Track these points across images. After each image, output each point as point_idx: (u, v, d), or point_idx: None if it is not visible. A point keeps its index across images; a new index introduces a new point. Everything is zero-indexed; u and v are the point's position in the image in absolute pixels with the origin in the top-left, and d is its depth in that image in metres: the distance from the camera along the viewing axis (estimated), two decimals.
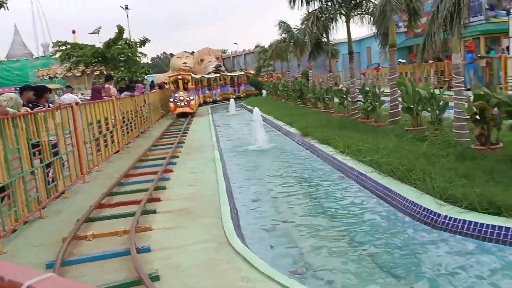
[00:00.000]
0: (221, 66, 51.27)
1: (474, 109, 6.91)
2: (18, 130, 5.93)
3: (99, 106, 10.54)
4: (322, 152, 9.64)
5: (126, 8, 47.49)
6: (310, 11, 14.02)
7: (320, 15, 12.57)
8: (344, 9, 12.95)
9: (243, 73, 36.92)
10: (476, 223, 4.45)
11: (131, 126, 14.32)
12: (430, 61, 25.15)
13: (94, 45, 24.44)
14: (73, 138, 8.39)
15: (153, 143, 13.25)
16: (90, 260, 4.62)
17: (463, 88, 7.84)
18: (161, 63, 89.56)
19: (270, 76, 35.88)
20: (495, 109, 6.62)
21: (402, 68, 26.74)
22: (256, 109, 12.72)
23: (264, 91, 33.78)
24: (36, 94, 7.76)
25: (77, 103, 9.71)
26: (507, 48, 19.31)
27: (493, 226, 4.30)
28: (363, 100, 12.31)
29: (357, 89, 13.19)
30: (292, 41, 22.26)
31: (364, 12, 12.98)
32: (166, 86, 24.93)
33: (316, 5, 13.30)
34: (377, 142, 8.58)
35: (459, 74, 7.76)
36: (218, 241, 4.91)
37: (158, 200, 6.84)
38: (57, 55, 24.50)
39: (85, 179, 8.73)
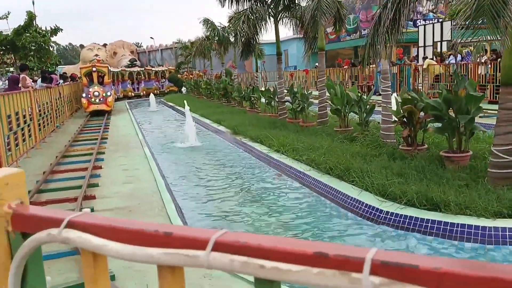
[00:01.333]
0: (136, 61, 49.63)
1: (402, 112, 7.46)
2: None
3: (17, 97, 9.71)
4: (257, 150, 9.77)
5: None
6: (239, 10, 14.15)
7: (251, 15, 12.70)
8: (273, 11, 13.22)
9: (167, 68, 36.35)
10: (417, 218, 4.82)
11: (47, 120, 13.37)
12: (345, 66, 26.64)
13: (1, 32, 22.34)
14: None
15: (73, 138, 12.49)
16: None
17: (390, 92, 8.42)
18: (68, 54, 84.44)
19: (191, 73, 35.48)
20: (422, 112, 7.20)
21: (315, 72, 27.99)
22: (187, 107, 12.54)
23: (184, 88, 33.33)
24: None
25: None
26: (416, 56, 21.02)
27: (433, 221, 4.70)
28: (291, 101, 12.67)
29: (285, 90, 13.54)
30: (216, 39, 22.23)
31: (292, 15, 13.34)
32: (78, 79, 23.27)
33: (246, 5, 13.44)
34: (310, 141, 8.90)
35: (387, 79, 8.33)
36: None
37: (93, 197, 6.50)
38: None
39: None
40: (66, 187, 7.11)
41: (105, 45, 53.62)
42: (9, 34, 21.49)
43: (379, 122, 9.79)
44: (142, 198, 6.46)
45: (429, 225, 4.69)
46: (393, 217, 5.05)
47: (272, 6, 13.11)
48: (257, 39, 14.23)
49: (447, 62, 18.38)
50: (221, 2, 13.24)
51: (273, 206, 6.42)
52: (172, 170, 9.14)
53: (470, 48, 20.61)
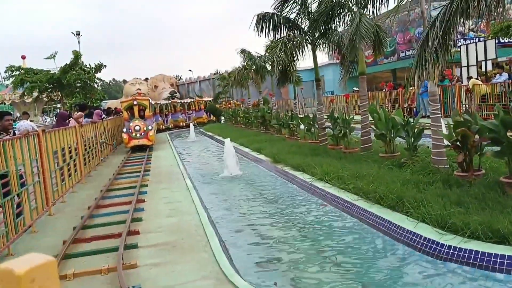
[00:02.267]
0: (176, 93, 50.89)
1: (454, 135, 7.04)
2: None
3: (63, 133, 9.94)
4: (299, 179, 9.50)
5: (78, 34, 46.35)
6: (276, 39, 14.17)
7: (288, 43, 12.66)
8: (310, 38, 13.14)
9: (193, 100, 36.66)
10: (484, 252, 4.39)
11: (92, 154, 13.64)
12: (388, 89, 26.09)
13: (49, 70, 23.38)
14: (39, 167, 7.78)
15: (117, 171, 12.65)
16: None
17: (440, 115, 8.01)
18: (111, 90, 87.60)
19: (229, 102, 35.85)
20: (476, 135, 6.76)
21: (355, 96, 27.58)
22: (227, 140, 12.49)
23: (222, 118, 33.64)
24: None
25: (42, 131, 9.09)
26: (460, 76, 20.33)
27: (502, 256, 4.26)
28: (332, 127, 12.38)
29: (325, 116, 13.29)
30: (253, 68, 22.38)
31: (329, 41, 13.20)
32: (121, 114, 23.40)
33: (283, 33, 13.43)
34: (355, 168, 8.55)
35: (436, 101, 7.94)
36: (216, 278, 4.58)
37: (137, 233, 6.40)
38: (10, 80, 23.16)
39: (50, 211, 8.09)
40: (111, 222, 7.07)
41: (146, 79, 55.39)
42: (56, 72, 22.46)
43: (428, 147, 9.35)
44: (185, 232, 6.31)
45: (498, 260, 4.26)
46: (456, 252, 4.63)
47: (309, 33, 13.04)
48: (293, 66, 14.15)
49: (493, 81, 17.62)
50: (258, 33, 13.27)
51: (320, 240, 6.09)
52: (214, 202, 8.98)
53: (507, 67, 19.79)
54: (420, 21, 30.52)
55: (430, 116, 8.01)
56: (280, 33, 13.21)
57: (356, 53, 10.97)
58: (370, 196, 6.75)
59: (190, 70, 79.05)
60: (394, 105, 24.31)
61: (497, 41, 20.41)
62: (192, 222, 6.80)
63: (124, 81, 60.46)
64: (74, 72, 22.03)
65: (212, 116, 35.02)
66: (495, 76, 17.97)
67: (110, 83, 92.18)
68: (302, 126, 15.47)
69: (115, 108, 26.34)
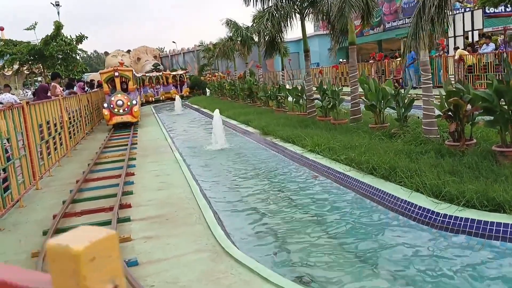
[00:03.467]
0: (159, 65, 49.98)
1: (446, 105, 7.02)
2: None
3: (47, 106, 9.66)
4: (289, 151, 9.45)
5: (57, 5, 44.79)
6: (263, 9, 13.87)
7: (275, 13, 12.38)
8: (299, 7, 12.88)
9: (184, 72, 35.99)
10: (480, 221, 4.42)
11: (77, 128, 13.36)
12: (370, 61, 25.97)
13: (29, 42, 22.60)
14: (24, 140, 7.56)
15: (103, 144, 12.43)
16: None
17: (431, 85, 7.98)
18: (92, 62, 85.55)
19: (214, 75, 35.39)
20: (469, 105, 6.75)
21: (343, 67, 27.44)
22: (216, 112, 12.31)
23: (207, 90, 33.29)
24: None
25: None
26: (447, 47, 20.30)
27: (498, 224, 4.29)
28: (321, 99, 12.29)
29: (313, 87, 13.17)
30: (239, 39, 22.00)
31: (318, 11, 12.95)
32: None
33: (270, 3, 13.14)
34: (346, 139, 8.52)
35: (427, 71, 7.89)
36: (212, 250, 4.53)
37: (129, 206, 6.30)
38: None
39: (37, 186, 7.92)
40: (101, 195, 6.95)
41: (129, 51, 54.17)
42: (37, 44, 21.73)
43: (418, 117, 9.35)
44: (178, 205, 6.23)
45: (494, 228, 4.29)
46: (452, 220, 4.65)
47: (297, 2, 12.77)
48: (281, 37, 13.90)
49: (480, 51, 17.64)
50: (245, 1, 12.95)
51: (313, 210, 6.09)
52: (204, 174, 8.90)
53: (501, 36, 19.79)
54: None
55: (422, 86, 7.96)
56: (268, 3, 12.91)
57: (345, 23, 10.78)
58: (363, 167, 6.74)
59: (174, 42, 77.50)
60: (380, 77, 24.25)
61: (484, 12, 20.35)
62: (183, 195, 6.72)
63: (106, 53, 59.09)
64: (55, 43, 21.35)
65: (182, 90, 33.63)
66: (481, 47, 17.98)
67: (92, 55, 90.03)
68: (290, 98, 15.35)
69: (98, 81, 25.69)
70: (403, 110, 8.77)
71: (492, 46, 17.89)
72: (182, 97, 32.53)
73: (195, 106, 25.43)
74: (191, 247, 4.63)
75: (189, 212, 5.85)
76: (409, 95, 8.94)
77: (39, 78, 42.53)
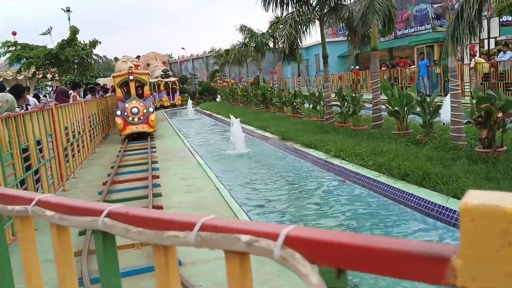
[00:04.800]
0: (168, 71, 50.13)
1: (477, 112, 7.00)
2: (11, 133, 5.22)
3: (71, 108, 9.74)
4: (312, 156, 9.44)
5: (68, 11, 45.16)
6: (283, 15, 13.93)
7: (297, 18, 12.44)
8: (318, 13, 12.93)
9: (176, 79, 35.44)
10: None
11: (96, 131, 13.43)
12: (383, 68, 25.96)
13: (45, 46, 22.77)
14: (53, 142, 7.61)
15: (123, 148, 12.47)
16: None
17: (459, 91, 7.97)
18: (100, 67, 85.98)
19: (225, 81, 35.48)
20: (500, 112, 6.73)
21: (357, 74, 27.45)
22: (234, 117, 12.34)
23: (218, 96, 33.38)
24: (14, 95, 6.93)
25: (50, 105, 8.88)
26: (462, 55, 20.24)
27: None
28: (339, 105, 12.30)
29: (333, 93, 13.19)
30: (253, 45, 22.08)
31: (338, 17, 13.00)
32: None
33: (290, 9, 13.20)
34: (372, 145, 8.51)
35: (455, 77, 7.89)
36: None
37: (161, 208, 6.31)
38: (6, 56, 22.53)
39: (64, 187, 7.96)
40: (130, 197, 6.97)
41: (138, 57, 54.39)
42: (54, 48, 21.90)
43: (443, 123, 9.35)
44: (210, 208, 6.23)
45: None
46: None
47: (317, 9, 12.83)
48: (299, 43, 13.95)
49: (497, 59, 17.58)
50: (265, 7, 13.03)
51: (345, 215, 6.07)
52: (228, 178, 8.90)
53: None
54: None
55: (450, 92, 7.96)
56: (288, 8, 12.97)
57: (369, 28, 10.82)
58: (394, 172, 6.72)
59: (183, 48, 78.12)
60: (392, 84, 24.21)
61: (500, 19, 20.32)
62: (213, 198, 6.72)
63: (116, 59, 59.33)
64: (71, 48, 21.52)
65: (174, 98, 33.06)
66: (498, 54, 17.92)
67: (102, 60, 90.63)
68: (306, 104, 15.36)
69: (112, 86, 25.78)
70: (429, 116, 8.75)
71: (509, 54, 17.83)
72: (174, 105, 31.91)
73: (207, 112, 25.50)
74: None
75: (223, 215, 5.84)
76: (435, 102, 8.92)
77: (49, 83, 42.72)
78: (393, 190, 6.38)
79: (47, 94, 34.00)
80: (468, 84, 17.92)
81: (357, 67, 29.08)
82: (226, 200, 6.49)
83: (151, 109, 14.45)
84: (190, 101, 26.31)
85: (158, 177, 8.45)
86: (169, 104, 32.98)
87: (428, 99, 8.86)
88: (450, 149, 7.44)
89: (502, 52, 17.63)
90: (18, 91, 7.01)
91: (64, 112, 8.88)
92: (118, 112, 14.31)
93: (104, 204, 0.82)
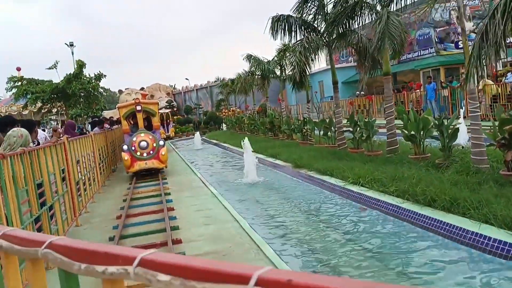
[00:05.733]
0: (172, 102, 50.49)
1: (499, 134, 6.83)
2: (26, 169, 5.07)
3: (82, 142, 9.63)
4: (329, 183, 9.23)
5: (71, 45, 45.84)
6: (291, 42, 13.99)
7: (306, 45, 12.44)
8: (326, 39, 12.95)
9: (169, 110, 35.10)
10: None
11: (105, 164, 13.29)
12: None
13: (51, 80, 22.95)
14: (66, 176, 7.46)
15: (133, 180, 12.29)
16: None
17: (479, 113, 7.81)
18: (105, 100, 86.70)
19: (231, 110, 35.58)
20: None
21: (361, 100, 27.48)
22: (246, 140, 12.20)
23: (224, 125, 33.42)
24: (27, 129, 6.82)
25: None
26: None
27: None
28: (352, 130, 12.15)
29: (344, 119, 13.07)
30: (258, 73, 22.18)
31: (347, 43, 13.02)
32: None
33: (298, 36, 13.23)
34: (391, 171, 8.30)
35: (475, 100, 7.75)
36: None
37: (180, 241, 6.09)
38: (12, 91, 22.68)
39: (77, 222, 7.75)
40: (147, 231, 6.76)
41: (142, 88, 54.77)
42: (60, 82, 22.06)
43: (462, 147, 9.17)
44: (231, 240, 6.01)
45: None
46: None
47: (325, 35, 12.86)
48: (308, 70, 13.93)
49: (505, 80, 17.50)
50: (273, 35, 13.07)
51: (372, 246, 5.82)
52: (243, 209, 8.67)
53: None
54: (421, 23, 30.62)
55: (470, 115, 7.80)
56: (296, 36, 13.01)
57: (381, 53, 10.78)
58: (419, 198, 6.50)
59: (187, 79, 78.31)
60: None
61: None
62: (233, 230, 6.50)
63: (120, 91, 59.79)
64: (77, 81, 21.66)
65: (169, 130, 32.60)
66: (506, 76, 17.86)
67: (105, 93, 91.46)
68: (316, 131, 15.23)
69: (118, 118, 25.79)
70: (447, 140, 8.57)
71: None
72: (168, 137, 31.50)
73: (214, 141, 25.43)
74: None
75: (245, 248, 5.62)
76: (453, 125, 8.75)
77: (53, 117, 42.88)
78: (419, 216, 6.15)
79: (45, 129, 34.16)
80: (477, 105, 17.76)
81: (362, 92, 29.13)
82: (247, 232, 6.28)
83: (161, 142, 13.07)
84: (197, 133, 26.19)
85: (173, 209, 8.25)
86: (164, 136, 33.04)
87: (446, 122, 8.70)
88: (473, 172, 7.23)
89: (510, 73, 17.58)
90: (31, 126, 6.90)
91: (76, 146, 8.77)
92: (125, 147, 12.81)
93: (130, 250, 0.67)
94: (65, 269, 0.72)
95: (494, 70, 19.68)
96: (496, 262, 4.66)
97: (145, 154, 12.67)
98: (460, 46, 28.03)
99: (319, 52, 13.30)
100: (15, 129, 5.42)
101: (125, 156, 12.57)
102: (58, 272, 0.80)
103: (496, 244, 4.79)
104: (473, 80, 7.53)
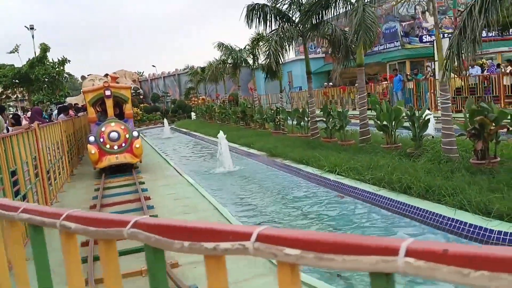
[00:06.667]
0: (139, 89, 49.60)
1: (469, 124, 7.09)
2: (1, 156, 4.89)
3: (51, 129, 9.35)
4: (305, 172, 9.35)
5: (32, 28, 44.10)
6: (266, 31, 13.98)
7: (282, 35, 12.45)
8: (301, 30, 13.00)
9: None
10: None
11: (73, 152, 12.96)
12: (356, 84, 26.32)
13: (13, 65, 22.02)
14: (38, 164, 7.23)
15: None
16: None
17: (449, 105, 8.08)
18: (60, 86, 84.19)
19: (202, 98, 35.22)
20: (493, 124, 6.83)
21: (330, 91, 27.82)
22: (221, 134, 12.13)
23: (193, 114, 33.11)
24: None
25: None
26: (433, 70, 20.83)
27: None
28: (325, 120, 12.30)
29: (317, 109, 13.22)
30: (230, 62, 22.06)
31: (320, 34, 13.11)
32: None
33: (274, 26, 13.23)
34: (365, 160, 8.49)
35: (446, 91, 8.00)
36: (274, 274, 4.34)
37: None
38: None
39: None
40: None
41: (106, 75, 53.20)
42: (23, 67, 21.20)
43: (432, 137, 9.46)
44: None
45: None
46: (508, 237, 4.61)
47: (300, 25, 12.90)
48: (281, 60, 13.97)
49: (468, 73, 18.13)
50: (248, 24, 13.01)
51: (340, 226, 5.96)
52: (220, 197, 8.68)
53: (483, 61, 20.42)
54: (388, 17, 31.20)
55: (441, 106, 8.06)
56: (271, 25, 13.00)
57: (353, 45, 10.93)
58: (395, 186, 6.69)
59: (154, 66, 77.10)
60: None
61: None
62: (215, 219, 6.50)
63: (83, 77, 58.14)
64: (41, 66, 20.88)
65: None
66: (471, 69, 18.49)
67: (65, 78, 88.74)
68: (289, 121, 15.34)
69: (83, 105, 25.04)
70: (418, 130, 8.82)
71: (477, 68, 18.49)
72: None
73: (184, 130, 25.20)
74: (252, 271, 4.42)
75: None
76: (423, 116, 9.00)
77: (12, 103, 41.29)
78: (395, 203, 6.34)
79: (30, 113, 32.90)
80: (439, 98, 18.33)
81: (330, 83, 29.51)
82: (229, 221, 6.29)
83: (135, 133, 11.39)
84: (166, 120, 25.89)
85: (149, 198, 8.15)
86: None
87: (417, 113, 8.95)
88: (444, 161, 7.49)
89: (470, 67, 18.24)
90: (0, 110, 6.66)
91: (47, 133, 8.52)
92: (91, 138, 11.00)
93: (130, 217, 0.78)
94: (160, 247, 0.72)
95: (466, 64, 20.25)
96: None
97: (116, 147, 10.97)
98: (424, 40, 28.90)
99: (293, 42, 13.36)
100: None
101: (92, 149, 10.78)
102: (146, 251, 0.79)
103: (471, 229, 5.01)
104: (445, 73, 7.79)
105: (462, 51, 6.23)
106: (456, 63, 6.45)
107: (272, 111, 16.57)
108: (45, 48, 21.79)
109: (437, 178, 6.46)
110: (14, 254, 1.20)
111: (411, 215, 5.96)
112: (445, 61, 6.80)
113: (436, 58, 21.58)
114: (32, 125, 7.39)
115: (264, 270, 4.47)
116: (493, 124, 6.88)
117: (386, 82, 23.78)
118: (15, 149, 5.73)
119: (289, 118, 15.23)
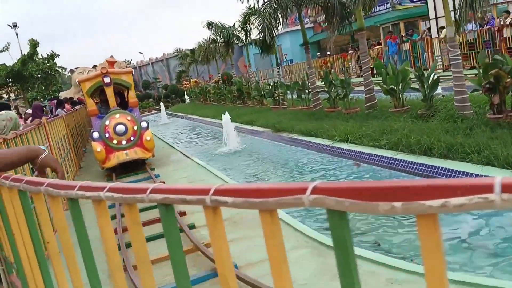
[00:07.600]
0: None
1: (483, 79, 6.99)
2: None
3: (56, 124, 9.17)
4: (316, 144, 9.27)
5: (15, 26, 43.02)
6: (259, 4, 13.69)
7: (275, 6, 12.17)
8: None
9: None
10: None
11: (77, 145, 12.79)
12: (350, 51, 26.05)
13: (4, 64, 21.53)
14: None
15: None
16: None
17: (460, 61, 7.96)
18: (54, 80, 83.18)
19: (195, 81, 34.81)
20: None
21: (329, 60, 27.52)
22: (225, 115, 12.00)
23: (186, 97, 32.79)
24: None
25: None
26: (429, 29, 20.59)
27: None
28: (327, 90, 12.16)
29: (318, 80, 13.06)
30: (222, 40, 21.70)
31: (315, 2, 12.83)
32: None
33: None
34: (377, 125, 8.40)
35: (455, 47, 7.87)
36: (310, 246, 4.29)
37: (184, 214, 5.99)
38: None
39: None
40: (146, 207, 6.57)
41: (94, 66, 52.24)
42: (15, 65, 20.74)
43: (443, 96, 9.37)
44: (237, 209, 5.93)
45: None
46: None
47: None
48: (275, 32, 13.71)
49: (465, 30, 17.92)
50: None
51: None
52: (233, 176, 8.60)
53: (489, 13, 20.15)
54: None
55: (451, 62, 7.94)
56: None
57: (351, 9, 10.73)
58: (414, 149, 6.62)
59: (141, 53, 75.88)
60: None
61: None
62: None
63: (71, 71, 56.98)
64: (33, 62, 20.45)
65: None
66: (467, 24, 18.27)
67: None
68: (288, 95, 15.19)
69: (78, 98, 24.67)
70: (428, 90, 8.71)
71: (472, 24, 18.28)
72: None
73: (181, 114, 24.98)
74: (286, 245, 4.36)
75: (256, 214, 5.56)
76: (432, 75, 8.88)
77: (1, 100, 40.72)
78: (418, 166, 6.28)
79: (31, 110, 32.33)
80: (439, 56, 18.21)
81: (328, 53, 29.16)
82: None
83: (144, 124, 9.91)
84: (162, 105, 25.60)
85: (163, 183, 8.04)
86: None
87: (425, 73, 8.83)
88: (460, 119, 7.42)
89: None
90: (6, 109, 6.46)
91: (54, 128, 8.35)
92: (95, 134, 9.55)
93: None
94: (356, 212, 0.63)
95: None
96: None
97: (124, 142, 9.53)
98: (414, 0, 28.52)
99: (287, 13, 13.07)
100: (2, 112, 5.04)
101: (97, 147, 9.35)
102: (328, 216, 0.69)
103: None
104: (451, 29, 7.65)
105: (475, 3, 6.10)
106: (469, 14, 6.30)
107: (270, 86, 16.37)
108: (34, 44, 21.32)
109: (457, 136, 6.39)
110: (58, 223, 1.35)
111: (435, 175, 5.90)
112: (458, 14, 6.65)
113: (431, 17, 21.43)
114: (41, 120, 7.21)
115: (296, 243, 4.43)
116: (509, 76, 6.80)
117: (379, 46, 23.55)
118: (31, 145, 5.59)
119: (288, 92, 15.08)
